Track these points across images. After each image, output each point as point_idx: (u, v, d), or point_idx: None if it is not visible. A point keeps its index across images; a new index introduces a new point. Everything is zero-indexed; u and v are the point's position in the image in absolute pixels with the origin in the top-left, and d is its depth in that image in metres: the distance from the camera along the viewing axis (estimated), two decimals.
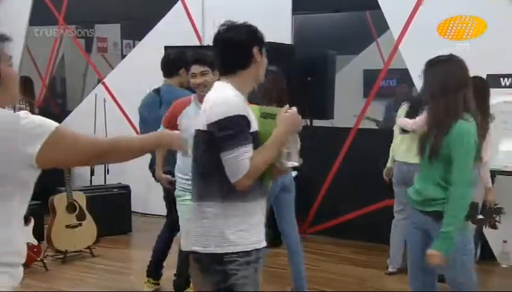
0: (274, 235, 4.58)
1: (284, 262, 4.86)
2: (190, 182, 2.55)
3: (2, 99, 1.66)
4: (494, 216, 4.03)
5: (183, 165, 3.15)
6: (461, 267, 2.63)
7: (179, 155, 3.30)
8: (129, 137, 1.89)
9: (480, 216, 3.68)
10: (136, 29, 6.97)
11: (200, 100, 2.93)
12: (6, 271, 1.58)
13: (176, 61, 4.14)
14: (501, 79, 4.46)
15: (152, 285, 4.06)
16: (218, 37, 2.19)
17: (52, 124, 1.59)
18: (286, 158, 2.13)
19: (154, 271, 4.05)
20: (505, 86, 4.47)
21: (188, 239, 2.30)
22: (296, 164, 2.15)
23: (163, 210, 6.20)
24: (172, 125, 3.28)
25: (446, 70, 2.68)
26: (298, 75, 5.53)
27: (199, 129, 2.13)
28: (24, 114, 1.59)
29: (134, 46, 7.11)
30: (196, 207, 2.16)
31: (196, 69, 3.28)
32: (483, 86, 3.63)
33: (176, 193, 3.33)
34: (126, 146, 1.76)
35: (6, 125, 1.55)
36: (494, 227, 4.09)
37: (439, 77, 2.66)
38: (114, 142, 1.74)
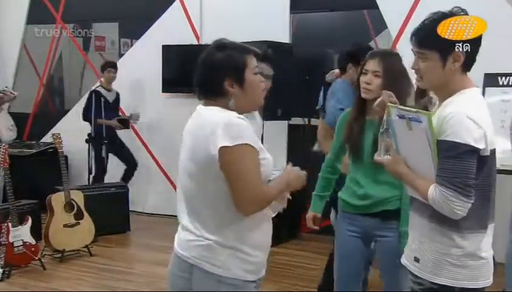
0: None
1: (284, 261, 4.87)
2: None
3: (246, 104, 1.89)
4: None
5: None
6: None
7: None
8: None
9: None
10: (134, 28, 6.96)
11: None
12: (235, 255, 1.84)
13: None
14: (499, 78, 4.46)
15: None
16: None
17: (248, 139, 1.77)
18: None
19: None
20: (503, 85, 4.48)
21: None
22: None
23: (161, 209, 6.24)
24: None
25: (399, 60, 2.59)
26: (297, 74, 5.53)
27: None
28: (237, 117, 1.80)
29: (131, 45, 7.09)
30: None
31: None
32: None
33: None
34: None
35: (214, 122, 1.79)
36: None
37: (400, 69, 2.54)
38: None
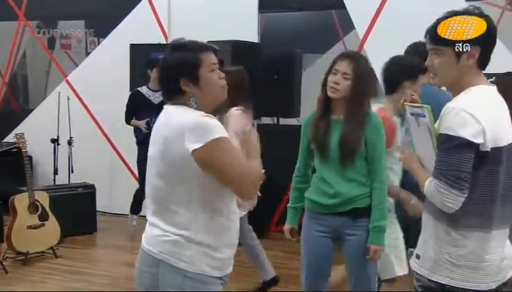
0: None
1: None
2: None
3: (206, 101, 1.88)
4: None
5: None
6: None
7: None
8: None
9: None
10: (101, 26, 6.85)
11: None
12: (202, 251, 1.83)
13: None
14: None
15: None
16: None
17: (220, 132, 1.78)
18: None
19: None
20: None
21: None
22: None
23: (128, 209, 6.16)
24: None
25: (368, 62, 2.68)
26: (265, 74, 5.54)
27: None
28: (202, 116, 1.80)
29: (98, 43, 6.98)
30: None
31: None
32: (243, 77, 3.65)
33: None
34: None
35: (180, 123, 1.80)
36: None
37: (368, 70, 2.62)
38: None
